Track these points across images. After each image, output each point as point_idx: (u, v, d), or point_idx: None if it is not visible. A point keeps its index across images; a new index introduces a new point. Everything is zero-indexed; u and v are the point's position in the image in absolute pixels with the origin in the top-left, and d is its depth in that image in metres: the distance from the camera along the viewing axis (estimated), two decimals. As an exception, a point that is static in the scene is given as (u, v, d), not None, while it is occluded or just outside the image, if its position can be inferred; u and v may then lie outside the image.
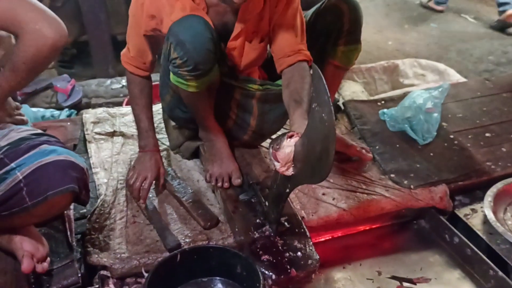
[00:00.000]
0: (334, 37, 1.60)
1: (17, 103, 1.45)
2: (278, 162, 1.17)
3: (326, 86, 0.99)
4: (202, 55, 1.32)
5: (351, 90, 2.35)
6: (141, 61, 1.54)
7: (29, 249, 1.22)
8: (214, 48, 1.34)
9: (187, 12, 1.36)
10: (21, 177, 1.12)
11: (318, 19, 1.60)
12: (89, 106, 2.53)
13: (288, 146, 1.14)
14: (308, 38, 1.53)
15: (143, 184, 1.55)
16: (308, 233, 1.44)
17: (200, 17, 1.33)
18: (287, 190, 1.27)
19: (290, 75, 1.45)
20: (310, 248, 1.39)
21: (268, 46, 1.55)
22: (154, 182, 1.60)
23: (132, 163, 1.70)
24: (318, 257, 1.37)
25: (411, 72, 2.78)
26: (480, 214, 1.65)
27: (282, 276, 1.31)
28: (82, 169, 1.20)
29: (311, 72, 1.17)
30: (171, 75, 1.41)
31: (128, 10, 1.47)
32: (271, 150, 1.19)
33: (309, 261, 1.35)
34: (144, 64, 1.55)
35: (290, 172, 1.16)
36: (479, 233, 1.57)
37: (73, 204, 1.42)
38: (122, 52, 1.58)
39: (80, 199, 1.22)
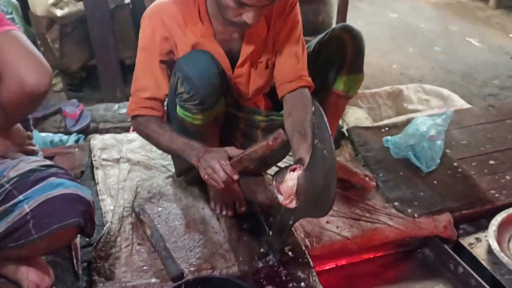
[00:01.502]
0: (337, 66, 1.63)
1: (29, 133, 1.46)
2: (281, 195, 1.19)
3: (327, 124, 1.02)
4: (209, 90, 1.34)
5: (355, 116, 2.37)
6: (157, 101, 1.48)
7: (34, 280, 1.24)
8: (220, 82, 1.37)
9: (199, 38, 1.39)
10: (28, 210, 1.14)
11: (321, 49, 1.64)
12: (97, 130, 2.56)
13: (291, 180, 1.16)
14: (311, 67, 1.55)
15: (222, 163, 1.28)
16: (311, 263, 1.45)
17: (206, 52, 1.37)
18: (290, 222, 1.28)
19: (293, 102, 1.47)
20: (314, 278, 1.39)
21: None
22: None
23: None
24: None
25: (415, 97, 2.79)
26: (484, 243, 1.65)
27: (285, 307, 1.31)
28: (88, 202, 1.22)
29: (313, 108, 1.19)
30: (178, 107, 1.43)
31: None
32: (274, 183, 1.20)
33: (313, 292, 1.36)
34: (159, 103, 1.48)
35: (293, 204, 1.18)
36: (484, 263, 1.57)
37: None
38: (128, 104, 1.52)
39: (85, 232, 1.24)
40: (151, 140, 1.52)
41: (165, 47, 1.43)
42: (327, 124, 1.01)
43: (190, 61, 1.34)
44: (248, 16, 1.23)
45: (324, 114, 1.03)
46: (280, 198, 1.19)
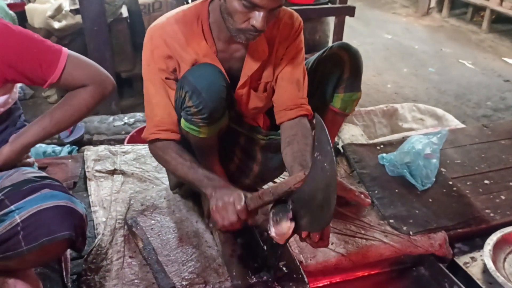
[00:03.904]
0: (335, 84, 1.64)
1: None
2: (275, 233, 1.17)
3: (328, 136, 1.01)
4: (217, 104, 1.33)
5: (351, 133, 2.38)
6: (170, 122, 1.42)
7: (22, 292, 1.21)
8: (227, 95, 1.37)
9: (200, 57, 1.37)
10: (19, 221, 1.12)
11: (319, 66, 1.64)
12: (90, 142, 2.55)
13: (288, 228, 1.14)
14: (309, 84, 1.55)
15: (237, 207, 1.22)
16: (306, 279, 1.43)
17: (214, 65, 1.36)
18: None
19: (293, 132, 1.45)
20: (308, 294, 1.37)
21: None
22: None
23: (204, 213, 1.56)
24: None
25: (410, 116, 2.81)
26: (479, 262, 1.64)
27: (279, 324, 1.29)
28: (81, 216, 1.20)
29: (314, 121, 1.18)
30: (183, 121, 1.41)
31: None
32: (271, 220, 1.18)
33: (307, 309, 1.34)
34: (173, 124, 1.43)
35: (282, 242, 1.17)
36: (479, 282, 1.56)
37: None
38: (143, 135, 1.48)
39: (76, 246, 1.20)
40: (167, 166, 1.49)
41: (170, 65, 1.40)
42: (328, 137, 1.00)
43: (198, 74, 1.32)
44: (256, 20, 1.21)
45: (325, 127, 1.03)
46: (272, 233, 1.18)
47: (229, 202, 1.23)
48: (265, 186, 1.84)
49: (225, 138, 1.58)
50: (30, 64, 1.27)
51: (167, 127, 1.43)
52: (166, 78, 1.41)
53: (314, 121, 1.24)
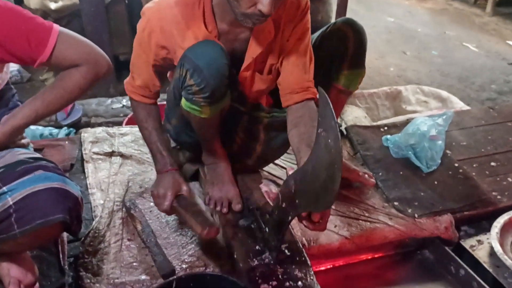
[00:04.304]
0: (339, 60, 1.59)
1: None
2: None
3: (333, 111, 0.96)
4: (219, 82, 1.28)
5: (354, 115, 2.33)
6: (148, 90, 1.47)
7: (16, 276, 1.17)
8: (229, 73, 1.32)
9: (199, 40, 1.32)
10: (11, 203, 1.07)
11: (323, 42, 1.59)
12: (88, 125, 2.50)
13: None
14: None
15: (167, 196, 1.42)
16: (309, 262, 1.39)
17: (215, 42, 1.31)
18: (289, 218, 1.23)
19: (299, 114, 1.42)
20: (311, 278, 1.33)
21: None
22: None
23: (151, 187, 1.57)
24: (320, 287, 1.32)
25: (414, 99, 2.76)
26: (486, 245, 1.61)
27: (282, 307, 1.25)
28: (76, 199, 1.15)
29: (318, 96, 1.14)
30: (184, 101, 1.37)
31: (131, 31, 1.44)
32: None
33: (311, 292, 1.30)
34: (150, 93, 1.48)
35: None
36: (486, 265, 1.53)
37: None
38: (126, 81, 1.52)
39: (71, 229, 1.16)
40: (137, 123, 1.55)
41: (161, 54, 1.38)
42: (333, 111, 0.95)
43: (200, 52, 1.27)
44: (263, 4, 1.15)
45: (329, 102, 0.98)
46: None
47: (162, 194, 1.42)
48: (266, 168, 1.80)
49: (227, 118, 1.53)
50: (18, 42, 1.19)
51: (141, 93, 1.48)
52: (153, 65, 1.42)
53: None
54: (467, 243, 1.63)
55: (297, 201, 1.13)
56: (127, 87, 1.51)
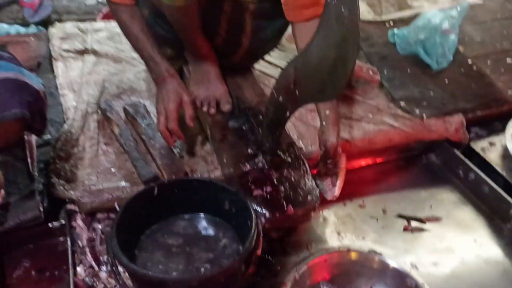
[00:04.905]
0: None
1: None
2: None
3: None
4: None
5: (356, 9, 2.09)
6: None
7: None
8: None
9: None
10: None
11: None
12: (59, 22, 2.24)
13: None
14: None
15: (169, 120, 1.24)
16: (307, 165, 1.25)
17: None
18: (287, 114, 1.06)
19: (311, 34, 1.18)
20: (310, 182, 1.20)
21: None
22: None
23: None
24: (319, 192, 1.19)
25: (421, -8, 2.50)
26: (498, 148, 1.48)
27: (277, 214, 1.13)
28: (38, 92, 1.00)
29: None
30: None
31: None
32: None
33: (309, 197, 1.17)
34: None
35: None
36: (498, 168, 1.41)
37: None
38: None
39: (33, 127, 1.03)
40: (121, 30, 1.35)
41: None
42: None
43: None
44: None
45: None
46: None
47: (162, 111, 1.23)
48: (256, 66, 1.61)
49: (207, 7, 1.31)
50: None
51: None
52: None
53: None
54: (477, 145, 1.50)
55: (297, 92, 0.95)
56: None
